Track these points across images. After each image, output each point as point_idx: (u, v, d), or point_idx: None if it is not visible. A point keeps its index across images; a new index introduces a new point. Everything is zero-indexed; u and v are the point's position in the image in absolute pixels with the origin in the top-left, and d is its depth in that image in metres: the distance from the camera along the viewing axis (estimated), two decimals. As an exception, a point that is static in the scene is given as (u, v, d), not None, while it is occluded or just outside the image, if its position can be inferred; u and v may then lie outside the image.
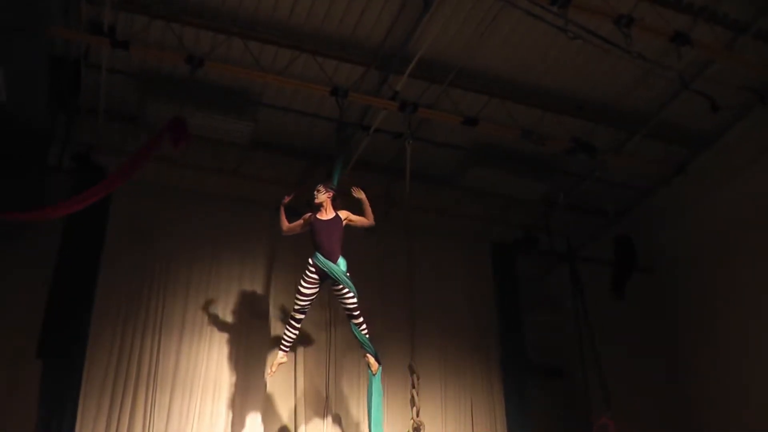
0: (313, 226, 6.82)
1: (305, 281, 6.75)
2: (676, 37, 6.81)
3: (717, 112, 7.45)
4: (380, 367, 6.95)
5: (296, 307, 6.84)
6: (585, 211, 9.93)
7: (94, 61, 7.40)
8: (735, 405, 8.13)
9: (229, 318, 8.47)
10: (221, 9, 7.14)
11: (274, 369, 7.00)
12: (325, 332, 8.73)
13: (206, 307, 8.41)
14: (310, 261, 6.75)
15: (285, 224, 7.04)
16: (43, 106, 7.25)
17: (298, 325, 6.95)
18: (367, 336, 6.90)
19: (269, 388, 8.21)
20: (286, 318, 6.94)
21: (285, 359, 7.04)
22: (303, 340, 8.55)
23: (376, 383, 6.92)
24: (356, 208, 7.02)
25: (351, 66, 7.77)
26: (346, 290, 6.74)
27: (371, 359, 6.89)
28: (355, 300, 6.79)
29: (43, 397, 7.23)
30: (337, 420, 8.34)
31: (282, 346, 6.96)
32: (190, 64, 7.02)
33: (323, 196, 6.86)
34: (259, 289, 8.76)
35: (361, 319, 6.86)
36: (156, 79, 7.74)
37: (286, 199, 7.04)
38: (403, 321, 8.34)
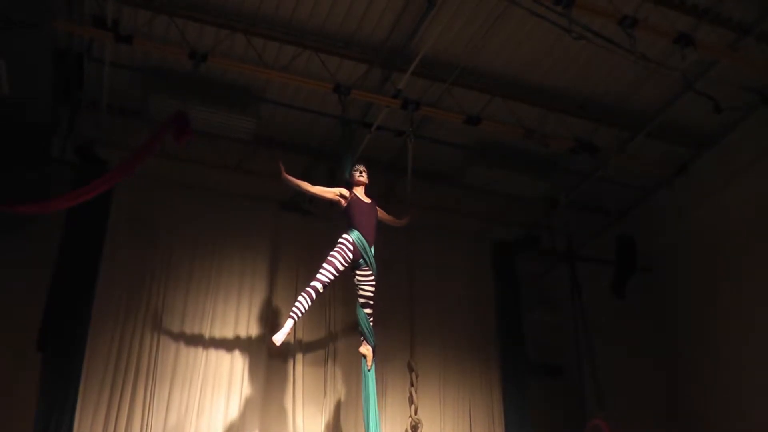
0: (354, 203, 6.67)
1: (342, 255, 6.42)
2: (679, 38, 6.80)
3: (720, 112, 7.44)
4: (374, 364, 6.76)
5: (323, 278, 6.36)
6: (586, 210, 9.93)
7: (97, 55, 7.42)
8: (734, 405, 8.13)
9: (230, 313, 8.45)
10: (225, 5, 7.15)
11: (283, 338, 6.27)
12: (326, 330, 8.73)
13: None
14: (349, 238, 6.50)
15: (308, 185, 6.69)
16: (47, 99, 7.26)
17: (315, 298, 6.38)
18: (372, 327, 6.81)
19: (269, 383, 8.21)
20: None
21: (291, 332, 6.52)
22: (303, 337, 8.56)
23: (372, 380, 6.71)
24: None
25: (354, 63, 7.78)
26: (373, 277, 6.62)
27: (369, 352, 6.72)
28: (374, 288, 6.69)
29: (42, 390, 7.21)
30: (336, 416, 8.35)
31: (293, 315, 6.31)
32: (193, 59, 7.05)
33: (366, 178, 6.84)
34: (260, 285, 8.74)
35: (372, 310, 6.77)
36: (159, 73, 7.75)
37: (282, 166, 6.64)
38: (402, 318, 8.35)
